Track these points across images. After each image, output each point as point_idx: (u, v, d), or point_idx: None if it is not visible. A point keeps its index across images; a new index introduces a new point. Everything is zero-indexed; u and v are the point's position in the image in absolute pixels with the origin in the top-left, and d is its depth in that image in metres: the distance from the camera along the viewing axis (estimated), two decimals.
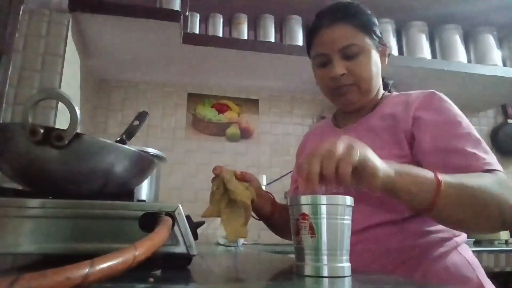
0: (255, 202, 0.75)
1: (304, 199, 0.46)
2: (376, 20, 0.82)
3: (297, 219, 0.46)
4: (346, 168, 0.49)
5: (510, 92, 1.99)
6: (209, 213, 0.73)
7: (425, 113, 0.73)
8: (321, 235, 0.44)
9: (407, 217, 0.70)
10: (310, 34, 0.83)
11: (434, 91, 0.77)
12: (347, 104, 0.82)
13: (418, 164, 0.69)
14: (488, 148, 0.69)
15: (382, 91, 0.86)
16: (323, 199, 0.45)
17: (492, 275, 0.74)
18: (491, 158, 0.67)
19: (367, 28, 0.78)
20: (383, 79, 0.89)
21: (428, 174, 0.59)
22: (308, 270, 0.44)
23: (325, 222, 0.44)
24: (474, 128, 0.72)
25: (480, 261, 1.29)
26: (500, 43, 1.93)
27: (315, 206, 0.45)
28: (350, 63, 0.77)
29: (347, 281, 0.43)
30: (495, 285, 0.72)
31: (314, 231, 0.44)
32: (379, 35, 0.81)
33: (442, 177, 0.58)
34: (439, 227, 0.70)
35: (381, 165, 0.55)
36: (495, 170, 0.65)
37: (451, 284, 0.66)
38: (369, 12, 0.82)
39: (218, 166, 0.78)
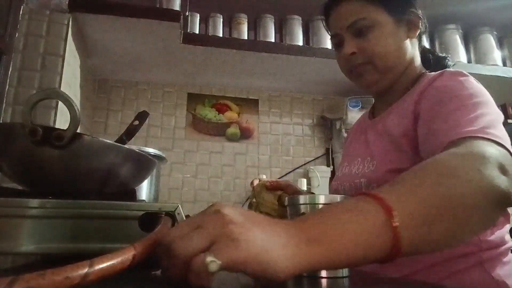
0: None
1: (303, 198, 0.45)
2: None
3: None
4: (197, 279, 0.30)
5: (510, 92, 1.99)
6: None
7: (424, 100, 0.64)
8: None
9: None
10: (325, 16, 0.79)
11: (445, 70, 0.67)
12: (366, 85, 0.75)
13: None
14: (498, 125, 0.55)
15: (418, 68, 0.76)
16: (322, 198, 0.44)
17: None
18: (490, 128, 0.52)
19: (381, 0, 0.71)
20: (433, 53, 0.81)
21: (362, 203, 0.38)
22: None
23: None
24: (491, 104, 0.59)
25: None
26: (500, 43, 1.93)
27: (314, 206, 0.44)
28: (361, 40, 0.71)
29: (346, 282, 0.43)
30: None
31: None
32: (407, 4, 0.74)
33: (386, 196, 0.37)
34: None
35: (279, 225, 0.33)
36: (479, 136, 0.50)
37: None
38: None
39: (254, 179, 0.80)
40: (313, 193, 0.87)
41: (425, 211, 0.38)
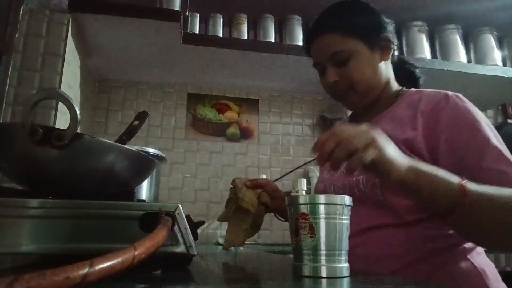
0: (270, 206, 0.81)
1: (303, 198, 0.46)
2: (375, 16, 0.81)
3: (296, 218, 0.46)
4: (355, 164, 0.52)
5: (510, 92, 1.99)
6: (222, 219, 0.80)
7: (439, 123, 0.69)
8: (320, 235, 0.44)
9: (411, 221, 0.67)
10: (307, 44, 0.85)
11: (448, 94, 0.72)
12: (350, 106, 0.85)
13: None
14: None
15: (395, 86, 0.83)
16: (322, 198, 0.45)
17: (504, 277, 0.72)
18: None
19: (357, 31, 0.77)
20: (408, 68, 0.89)
21: (452, 177, 0.56)
22: (306, 270, 0.44)
23: (324, 221, 0.44)
24: (494, 131, 0.68)
25: None
26: (500, 43, 1.93)
27: (314, 206, 0.44)
28: (342, 69, 0.78)
29: (346, 282, 0.43)
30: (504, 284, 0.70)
31: (314, 231, 0.44)
32: (378, 31, 0.79)
33: (468, 184, 0.55)
34: (446, 232, 0.67)
35: (400, 162, 0.55)
36: None
37: None
38: (366, 8, 0.81)
39: (235, 178, 0.83)
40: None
41: (488, 204, 0.55)
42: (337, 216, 0.44)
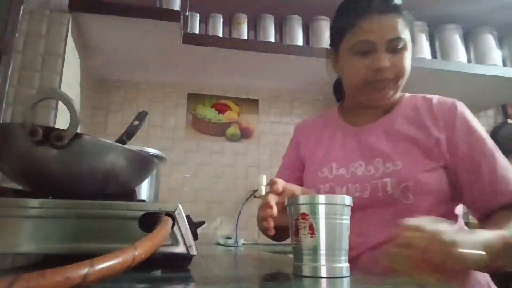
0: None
1: (303, 198, 0.45)
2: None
3: (296, 218, 0.46)
4: (439, 272, 0.50)
5: (510, 92, 1.99)
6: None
7: (456, 131, 0.72)
8: (320, 235, 0.44)
9: None
10: (354, 15, 0.74)
11: (456, 102, 0.76)
12: (380, 99, 0.77)
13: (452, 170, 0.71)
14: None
15: None
16: (322, 198, 0.44)
17: (492, 275, 0.73)
18: None
19: (410, 24, 0.75)
20: None
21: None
22: (306, 270, 0.44)
23: (324, 221, 0.44)
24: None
25: None
26: (500, 43, 1.93)
27: (314, 206, 0.44)
28: (394, 56, 0.73)
29: (346, 282, 0.43)
30: (495, 285, 0.72)
31: (314, 231, 0.44)
32: (413, 29, 0.78)
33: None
34: None
35: (486, 258, 0.54)
36: None
37: None
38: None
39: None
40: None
41: None
42: (337, 216, 0.44)
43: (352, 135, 0.82)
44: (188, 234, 0.46)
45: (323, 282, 0.42)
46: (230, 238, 1.62)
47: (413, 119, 0.76)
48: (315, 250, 0.44)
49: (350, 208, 0.46)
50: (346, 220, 0.45)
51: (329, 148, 0.84)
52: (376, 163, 0.74)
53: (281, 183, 0.61)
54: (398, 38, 0.72)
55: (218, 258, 0.78)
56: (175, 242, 0.45)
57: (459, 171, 0.71)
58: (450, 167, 0.71)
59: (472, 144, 0.71)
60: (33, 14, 1.24)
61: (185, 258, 0.49)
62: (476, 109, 2.21)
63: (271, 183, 0.59)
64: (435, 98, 0.78)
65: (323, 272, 0.43)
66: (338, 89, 0.92)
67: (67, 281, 0.24)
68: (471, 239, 0.54)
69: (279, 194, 0.61)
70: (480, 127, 0.74)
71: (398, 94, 0.80)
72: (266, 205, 0.57)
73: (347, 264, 0.45)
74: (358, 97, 0.80)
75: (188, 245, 0.46)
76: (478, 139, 0.72)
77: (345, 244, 0.45)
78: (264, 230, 0.60)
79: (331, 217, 0.44)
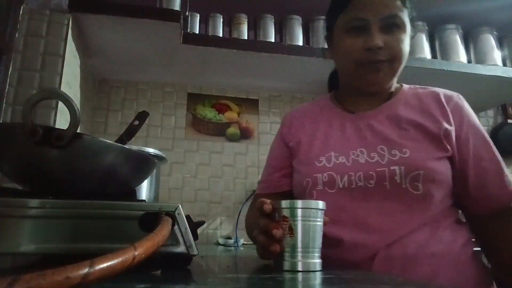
0: None
1: (284, 203, 0.52)
2: None
3: (278, 220, 0.52)
4: None
5: (510, 92, 1.99)
6: None
7: (464, 126, 0.72)
8: (297, 235, 0.50)
9: (441, 223, 0.67)
10: None
11: (460, 96, 0.76)
12: (374, 83, 0.73)
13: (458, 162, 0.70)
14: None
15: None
16: (299, 203, 0.51)
17: (491, 275, 0.73)
18: None
19: (410, 6, 0.71)
20: None
21: None
22: (286, 265, 0.50)
23: (300, 223, 0.50)
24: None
25: None
26: (500, 43, 1.93)
27: (293, 210, 0.51)
28: (388, 36, 0.68)
29: (346, 282, 0.43)
30: (495, 285, 0.72)
31: (293, 231, 0.50)
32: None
33: None
34: (465, 229, 0.71)
35: None
36: None
37: None
38: None
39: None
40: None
41: None
42: (312, 218, 0.51)
43: (351, 122, 0.76)
44: (188, 234, 0.46)
45: (324, 281, 0.42)
46: (230, 238, 1.62)
47: (417, 107, 0.73)
48: (293, 247, 0.50)
49: (323, 211, 0.52)
50: (319, 222, 0.52)
51: (326, 136, 0.77)
52: (380, 150, 0.69)
53: (270, 203, 0.54)
54: (393, 16, 0.68)
55: (218, 258, 0.78)
56: (175, 242, 0.45)
57: (466, 166, 0.70)
58: (456, 159, 0.70)
59: (479, 142, 0.71)
60: (33, 14, 1.24)
61: (185, 258, 0.49)
62: (476, 109, 2.20)
63: (261, 204, 0.53)
64: (440, 89, 0.77)
65: (299, 266, 0.50)
66: (334, 78, 0.88)
67: (67, 281, 0.24)
68: None
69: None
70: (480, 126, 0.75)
71: (395, 82, 0.77)
72: (267, 232, 0.51)
73: (320, 260, 0.51)
74: (353, 81, 0.76)
75: (188, 245, 0.46)
76: (484, 138, 0.72)
77: (318, 242, 0.51)
78: (272, 254, 0.52)
79: (307, 219, 0.51)
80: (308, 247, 0.50)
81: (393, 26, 0.68)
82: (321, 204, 0.52)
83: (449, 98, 0.74)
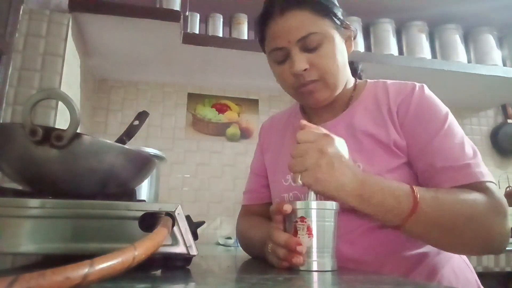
0: None
1: (300, 204, 0.53)
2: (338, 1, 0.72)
3: (295, 221, 0.53)
4: (307, 181, 0.54)
5: (510, 92, 1.99)
6: None
7: (409, 113, 0.67)
8: (314, 235, 0.51)
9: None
10: (261, 26, 0.71)
11: (415, 86, 0.70)
12: (316, 103, 0.71)
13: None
14: (476, 149, 0.63)
15: (352, 79, 0.77)
16: (314, 204, 0.53)
17: (492, 275, 0.74)
18: (482, 166, 0.61)
19: (327, 11, 0.67)
20: (351, 63, 0.79)
21: (403, 188, 0.56)
22: (304, 265, 0.51)
23: (316, 223, 0.51)
24: (458, 125, 0.67)
25: (480, 261, 1.30)
26: (500, 43, 1.93)
27: (309, 211, 0.52)
28: (312, 55, 0.66)
29: (346, 282, 0.43)
30: (495, 285, 0.72)
31: (311, 232, 0.51)
32: (341, 16, 0.70)
33: (419, 193, 0.55)
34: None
35: (347, 189, 0.55)
36: (486, 181, 0.60)
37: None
38: None
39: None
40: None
41: (438, 214, 0.55)
42: (327, 219, 0.52)
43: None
44: (188, 234, 0.46)
45: (324, 281, 0.42)
46: (230, 238, 1.62)
47: (374, 112, 0.70)
48: (309, 248, 0.51)
49: (337, 211, 0.54)
50: (334, 222, 0.53)
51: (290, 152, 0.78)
52: None
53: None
54: (308, 35, 0.65)
55: (218, 258, 0.78)
56: (175, 242, 0.45)
57: (414, 157, 0.66)
58: (410, 159, 0.66)
59: (423, 124, 0.65)
60: (33, 14, 1.24)
61: (185, 258, 0.49)
62: (476, 109, 2.22)
63: (280, 207, 0.54)
64: (393, 86, 0.72)
65: (315, 266, 0.50)
66: None
67: (67, 281, 0.24)
68: (354, 167, 0.57)
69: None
70: (440, 108, 0.67)
71: (346, 88, 0.74)
72: (288, 247, 0.52)
73: (335, 259, 0.52)
74: (299, 102, 0.77)
75: (188, 245, 0.46)
76: (430, 119, 0.66)
77: (333, 242, 0.52)
78: (296, 265, 0.52)
79: (321, 220, 0.52)
80: (323, 247, 0.51)
81: (314, 44, 0.66)
82: (335, 204, 0.54)
83: (398, 94, 0.70)
